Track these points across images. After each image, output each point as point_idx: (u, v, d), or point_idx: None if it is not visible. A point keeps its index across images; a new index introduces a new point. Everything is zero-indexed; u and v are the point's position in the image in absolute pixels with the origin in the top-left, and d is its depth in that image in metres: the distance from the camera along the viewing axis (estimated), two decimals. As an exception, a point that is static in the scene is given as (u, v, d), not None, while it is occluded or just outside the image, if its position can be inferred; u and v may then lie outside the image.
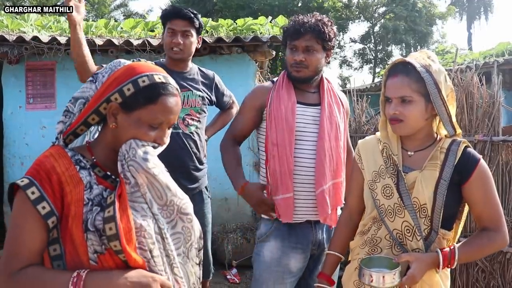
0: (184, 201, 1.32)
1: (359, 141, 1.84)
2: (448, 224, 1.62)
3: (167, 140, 1.30)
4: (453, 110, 1.62)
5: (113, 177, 1.26)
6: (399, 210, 1.60)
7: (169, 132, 1.31)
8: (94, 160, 1.26)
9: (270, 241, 2.12)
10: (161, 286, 1.17)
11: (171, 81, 1.28)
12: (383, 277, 1.48)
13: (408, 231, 1.60)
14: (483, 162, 1.60)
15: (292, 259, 2.10)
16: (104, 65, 1.35)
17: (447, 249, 1.55)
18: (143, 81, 1.22)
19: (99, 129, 1.34)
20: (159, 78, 1.24)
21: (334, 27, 2.15)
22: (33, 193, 1.13)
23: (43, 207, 1.13)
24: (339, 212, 2.22)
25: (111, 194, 1.18)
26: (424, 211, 1.57)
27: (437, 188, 1.56)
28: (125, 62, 1.28)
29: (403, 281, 1.49)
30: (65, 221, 1.15)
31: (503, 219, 1.61)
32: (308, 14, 2.15)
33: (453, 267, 1.57)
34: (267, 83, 2.26)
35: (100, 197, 1.19)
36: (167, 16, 2.64)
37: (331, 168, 2.09)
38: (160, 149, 1.28)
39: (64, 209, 1.15)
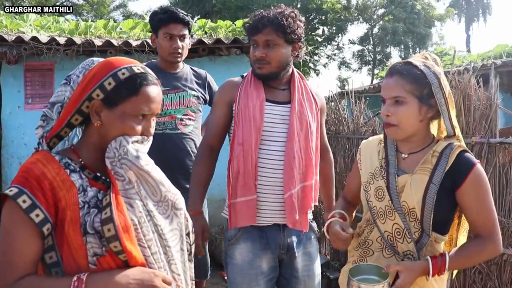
0: (177, 196, 1.32)
1: (363, 142, 1.83)
2: (442, 228, 1.59)
3: (152, 131, 1.29)
4: (452, 112, 1.60)
5: (103, 178, 1.24)
6: (389, 213, 1.59)
7: (153, 123, 1.30)
8: (82, 162, 1.24)
9: (240, 243, 2.03)
10: (163, 281, 1.16)
11: (150, 71, 1.28)
12: None
13: (398, 233, 1.59)
14: (478, 167, 1.54)
15: (264, 260, 2.02)
16: None
17: (438, 256, 1.51)
18: (123, 74, 1.21)
19: (77, 133, 1.34)
20: (138, 69, 1.24)
21: (299, 18, 2.04)
22: (24, 201, 1.09)
23: (37, 215, 1.10)
24: (310, 216, 2.12)
25: (106, 196, 1.17)
26: (413, 214, 1.55)
27: (426, 193, 1.52)
28: (98, 60, 1.26)
29: None
30: (60, 227, 1.13)
31: (497, 227, 1.56)
32: (272, 7, 2.04)
33: (443, 274, 1.52)
34: (237, 78, 2.15)
35: (96, 199, 1.18)
36: (163, 20, 2.62)
37: (300, 171, 1.99)
38: (149, 144, 1.27)
39: (59, 214, 1.13)
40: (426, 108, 1.55)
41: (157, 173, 1.27)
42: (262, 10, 2.04)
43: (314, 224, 2.19)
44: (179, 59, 2.69)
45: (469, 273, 3.23)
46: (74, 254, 1.13)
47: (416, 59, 1.61)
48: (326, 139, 2.34)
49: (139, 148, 1.22)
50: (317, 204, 2.12)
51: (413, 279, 1.49)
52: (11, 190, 1.11)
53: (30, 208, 1.09)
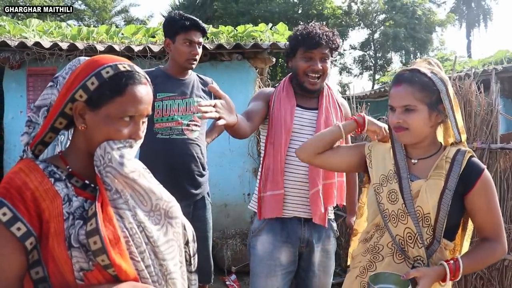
0: (171, 204, 1.23)
1: (373, 141, 1.85)
2: (451, 235, 1.63)
3: (143, 134, 1.20)
4: (458, 117, 1.62)
5: (92, 185, 1.15)
6: (402, 216, 1.60)
7: (144, 125, 1.21)
8: (70, 169, 1.15)
9: (262, 235, 2.22)
10: None
11: (138, 69, 1.18)
12: None
13: (410, 238, 1.59)
14: (487, 172, 1.59)
15: (283, 253, 2.19)
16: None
17: (451, 261, 1.53)
18: (107, 72, 1.11)
19: (70, 137, 1.23)
20: (124, 67, 1.14)
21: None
22: (4, 214, 1.01)
23: (18, 229, 1.02)
24: (331, 216, 2.31)
25: (92, 205, 1.09)
26: (427, 220, 1.57)
27: (442, 198, 1.55)
28: (84, 59, 1.18)
29: None
30: (45, 240, 1.05)
31: (503, 229, 1.61)
32: (314, 24, 2.27)
33: (458, 279, 1.55)
34: (269, 89, 2.40)
35: (81, 210, 1.09)
36: (185, 27, 2.65)
37: (323, 170, 2.16)
38: (137, 146, 1.18)
39: (43, 227, 1.05)
40: (435, 114, 1.59)
41: (146, 181, 1.18)
42: (311, 26, 2.24)
43: (334, 224, 2.36)
44: (193, 66, 2.73)
45: (470, 279, 3.22)
46: (61, 269, 1.05)
47: (422, 65, 1.64)
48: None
49: (124, 154, 1.13)
50: (344, 203, 2.31)
51: (431, 285, 1.50)
52: None
53: (11, 221, 1.02)
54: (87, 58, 1.18)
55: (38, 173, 1.09)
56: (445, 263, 1.52)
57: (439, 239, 1.57)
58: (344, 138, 1.86)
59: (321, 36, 2.19)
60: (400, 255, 1.63)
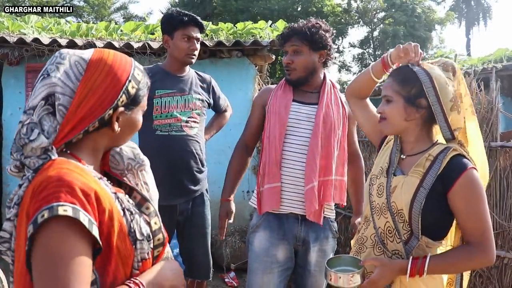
0: None
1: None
2: (434, 233, 1.57)
3: None
4: (453, 113, 1.56)
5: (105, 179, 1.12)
6: (384, 210, 1.61)
7: None
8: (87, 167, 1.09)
9: (259, 231, 2.24)
10: None
11: None
12: (340, 277, 1.51)
13: (389, 231, 1.61)
14: (471, 172, 1.50)
15: (280, 250, 2.20)
16: None
17: (420, 257, 1.51)
18: (138, 74, 1.12)
19: (27, 132, 1.10)
20: (139, 64, 1.17)
21: (326, 29, 2.25)
22: (84, 219, 0.91)
23: (95, 232, 0.93)
24: (331, 215, 2.30)
25: (137, 193, 1.15)
26: (401, 216, 1.56)
27: (415, 196, 1.52)
28: (87, 54, 1.07)
29: (363, 284, 1.51)
30: (103, 242, 0.96)
31: (488, 236, 1.50)
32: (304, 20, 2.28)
33: (423, 276, 1.50)
34: (273, 85, 2.41)
35: (129, 203, 1.08)
36: (183, 22, 2.66)
37: (321, 166, 2.16)
38: None
39: (102, 229, 0.96)
40: (413, 108, 1.58)
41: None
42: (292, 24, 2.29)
43: (334, 224, 2.34)
44: (193, 61, 2.73)
45: (469, 276, 3.22)
46: (120, 265, 1.02)
47: (425, 63, 1.63)
48: (357, 146, 2.50)
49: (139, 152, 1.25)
50: (345, 204, 2.29)
51: (389, 276, 1.52)
52: (65, 210, 0.89)
53: (90, 226, 0.92)
54: (86, 54, 1.07)
55: (87, 173, 1.01)
56: (411, 258, 1.52)
57: (417, 236, 1.55)
58: (373, 79, 1.81)
59: (289, 30, 2.23)
60: (379, 248, 1.64)
